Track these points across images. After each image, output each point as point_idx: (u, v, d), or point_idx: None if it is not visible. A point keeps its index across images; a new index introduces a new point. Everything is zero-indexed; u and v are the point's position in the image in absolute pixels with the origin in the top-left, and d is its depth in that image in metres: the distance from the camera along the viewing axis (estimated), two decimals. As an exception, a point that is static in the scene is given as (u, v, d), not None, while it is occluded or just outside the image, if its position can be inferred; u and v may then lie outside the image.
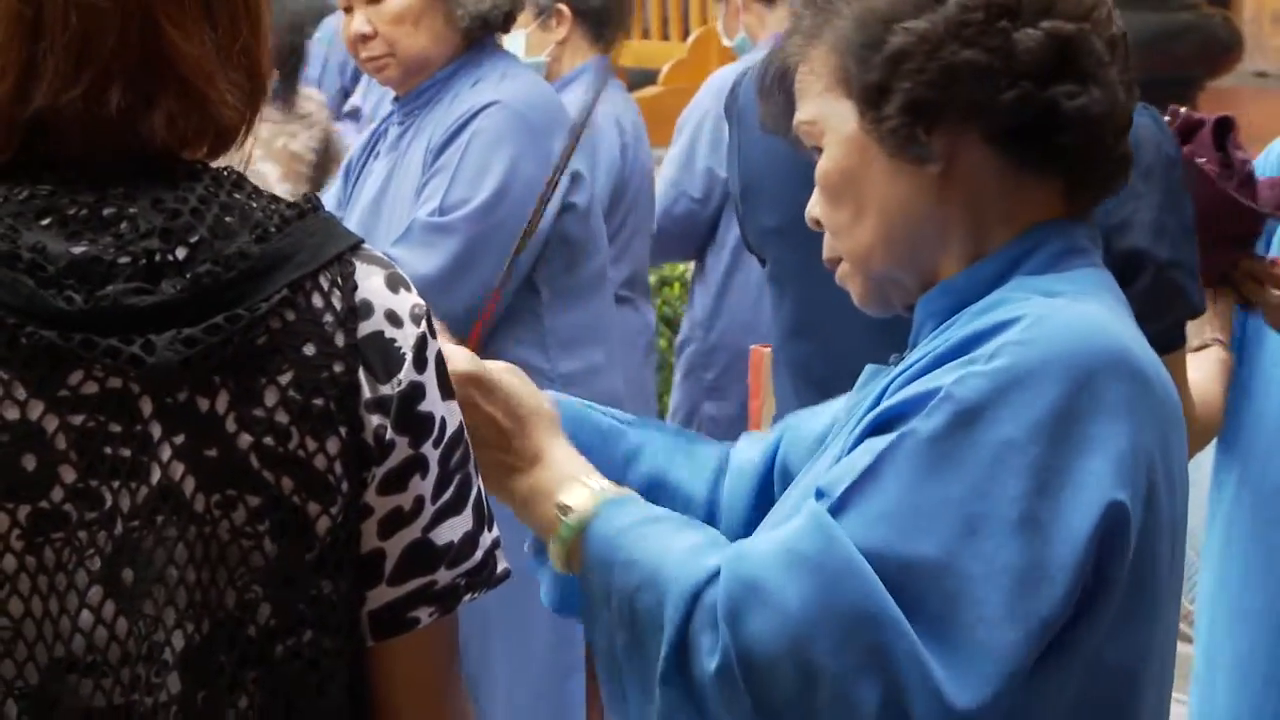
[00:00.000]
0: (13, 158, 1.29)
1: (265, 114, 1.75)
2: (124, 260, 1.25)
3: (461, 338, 2.51)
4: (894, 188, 1.49)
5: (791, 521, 1.42)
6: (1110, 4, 1.51)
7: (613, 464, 1.65)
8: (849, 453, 1.45)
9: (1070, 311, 1.43)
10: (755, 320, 3.74)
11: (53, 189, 1.27)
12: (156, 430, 1.27)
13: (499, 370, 1.61)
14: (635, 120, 4.16)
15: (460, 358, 1.57)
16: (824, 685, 1.35)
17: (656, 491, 1.65)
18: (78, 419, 1.25)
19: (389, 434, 1.32)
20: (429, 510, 1.34)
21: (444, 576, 1.34)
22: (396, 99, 3.11)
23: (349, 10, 3.04)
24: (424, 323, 1.35)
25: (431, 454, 1.34)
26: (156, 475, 1.26)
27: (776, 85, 1.61)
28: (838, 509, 1.38)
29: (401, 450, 1.33)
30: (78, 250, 1.25)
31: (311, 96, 4.81)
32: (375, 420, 1.31)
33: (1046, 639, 1.36)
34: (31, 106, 1.28)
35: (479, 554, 1.35)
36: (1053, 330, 1.40)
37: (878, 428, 1.42)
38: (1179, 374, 2.04)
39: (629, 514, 1.49)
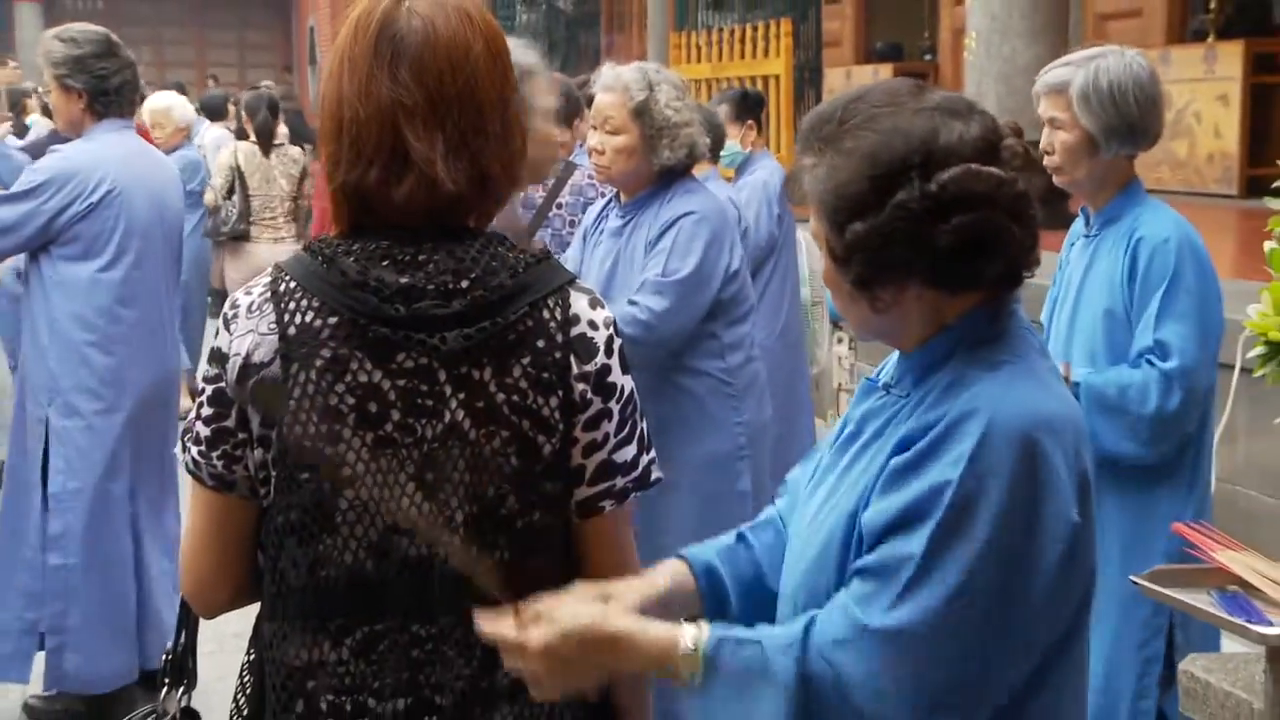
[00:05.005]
0: (362, 224, 1.73)
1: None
2: (430, 288, 1.71)
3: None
4: (858, 306, 1.75)
5: (850, 614, 1.63)
6: (1012, 178, 1.66)
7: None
8: (877, 493, 1.67)
9: (1009, 398, 1.65)
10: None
11: (389, 243, 1.73)
12: (447, 390, 1.71)
13: (559, 624, 1.67)
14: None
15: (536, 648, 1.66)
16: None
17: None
18: (401, 382, 1.70)
19: (589, 395, 1.75)
20: (612, 441, 1.79)
21: (620, 482, 1.78)
22: (620, 198, 4.14)
23: (595, 128, 4.04)
24: (612, 327, 1.78)
25: (614, 407, 1.78)
26: (447, 417, 1.71)
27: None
28: (891, 607, 1.60)
29: (596, 405, 1.76)
30: (403, 281, 1.71)
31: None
32: (580, 387, 1.75)
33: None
34: (336, 183, 1.73)
35: (640, 469, 1.81)
36: (1004, 421, 1.63)
37: (900, 522, 1.63)
38: None
39: (725, 653, 1.67)
